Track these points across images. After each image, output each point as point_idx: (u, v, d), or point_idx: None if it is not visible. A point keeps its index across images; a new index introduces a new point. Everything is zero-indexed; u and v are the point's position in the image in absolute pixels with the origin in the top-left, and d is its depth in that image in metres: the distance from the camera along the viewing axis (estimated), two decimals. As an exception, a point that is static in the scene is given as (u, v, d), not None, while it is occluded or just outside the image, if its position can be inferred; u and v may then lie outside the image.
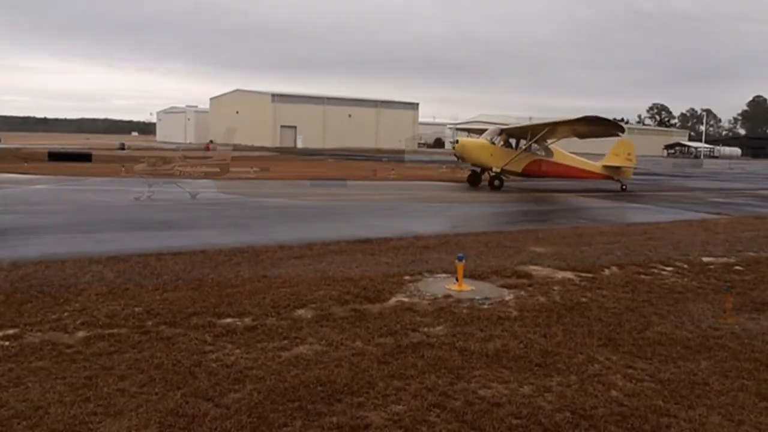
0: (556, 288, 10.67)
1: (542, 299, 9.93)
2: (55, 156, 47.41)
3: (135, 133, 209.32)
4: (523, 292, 10.29)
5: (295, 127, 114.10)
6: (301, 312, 8.78)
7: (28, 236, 14.47)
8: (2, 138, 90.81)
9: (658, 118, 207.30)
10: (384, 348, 7.46)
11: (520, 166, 32.52)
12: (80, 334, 7.65)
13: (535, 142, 32.27)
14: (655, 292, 10.66)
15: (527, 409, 5.96)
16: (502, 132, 33.08)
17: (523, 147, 32.02)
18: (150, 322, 8.12)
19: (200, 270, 11.08)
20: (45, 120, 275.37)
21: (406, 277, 11.00)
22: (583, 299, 9.99)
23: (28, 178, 31.19)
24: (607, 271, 12.12)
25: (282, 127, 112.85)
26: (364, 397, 6.13)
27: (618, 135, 33.13)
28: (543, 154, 33.12)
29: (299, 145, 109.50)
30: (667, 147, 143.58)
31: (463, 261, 10.39)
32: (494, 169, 31.88)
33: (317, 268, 11.54)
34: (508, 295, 10.08)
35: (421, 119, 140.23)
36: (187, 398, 5.93)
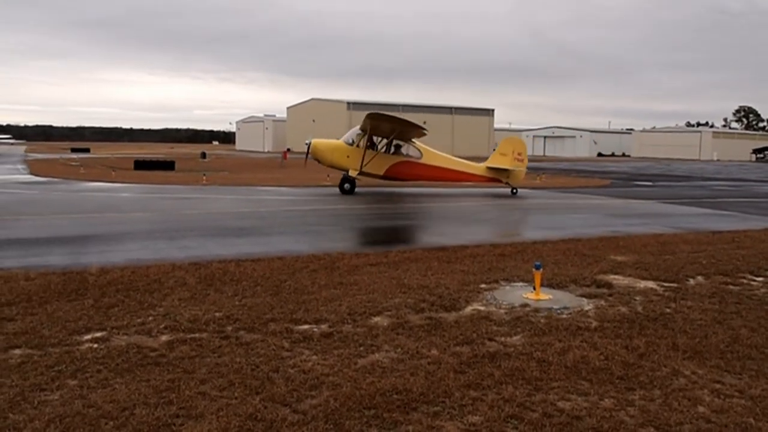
0: (638, 298, 10.35)
1: (623, 309, 9.64)
2: (141, 165, 49.22)
3: (216, 143, 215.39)
4: (603, 302, 10.03)
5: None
6: (377, 319, 8.80)
7: (115, 242, 15.05)
8: (91, 148, 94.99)
9: (745, 121, 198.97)
10: (460, 357, 7.39)
11: (382, 168, 29.93)
12: (164, 338, 7.89)
13: (402, 141, 29.89)
14: (744, 303, 10.21)
15: (608, 423, 5.78)
16: (362, 132, 29.79)
17: (365, 145, 29.16)
18: (230, 328, 8.30)
19: (278, 276, 11.26)
20: (131, 130, 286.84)
21: (482, 286, 10.89)
22: (667, 310, 9.64)
23: (115, 186, 32.50)
24: (692, 281, 11.68)
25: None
26: (440, 406, 6.08)
27: (423, 134, 29.25)
28: (410, 154, 30.48)
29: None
30: (756, 151, 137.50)
31: (541, 269, 10.21)
32: (351, 172, 29.43)
33: (393, 275, 11.55)
34: (588, 305, 9.84)
35: (496, 125, 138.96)
36: (266, 403, 6.02)
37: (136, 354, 7.29)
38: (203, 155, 74.31)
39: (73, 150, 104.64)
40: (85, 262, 12.22)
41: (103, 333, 8.02)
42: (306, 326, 8.43)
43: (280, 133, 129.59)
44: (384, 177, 30.41)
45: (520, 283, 11.11)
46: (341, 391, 6.31)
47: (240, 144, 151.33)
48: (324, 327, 8.41)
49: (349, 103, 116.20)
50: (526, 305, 9.69)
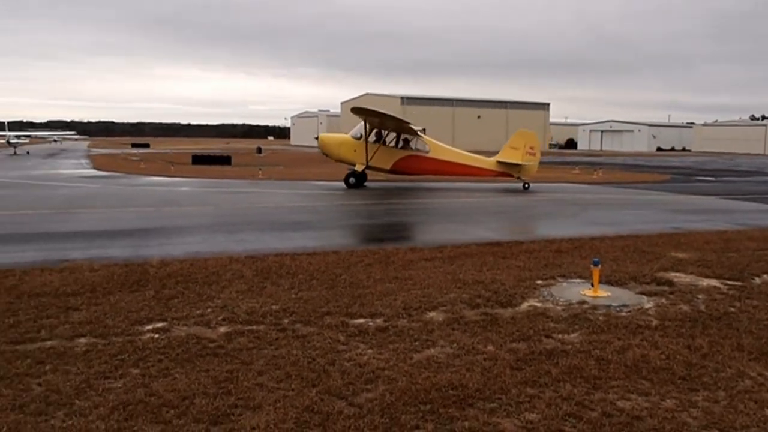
0: (700, 296, 10.06)
1: (685, 308, 9.39)
2: (199, 159, 50.16)
3: (271, 138, 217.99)
4: (663, 300, 9.79)
5: (424, 129, 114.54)
6: (432, 314, 8.78)
7: (174, 235, 15.38)
8: (151, 143, 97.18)
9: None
10: (517, 354, 7.31)
11: (389, 163, 29.99)
12: (222, 329, 8.02)
13: (409, 135, 29.96)
14: (813, 303, 9.82)
15: (670, 425, 5.63)
16: (368, 127, 29.80)
17: (367, 139, 29.31)
18: (286, 320, 8.38)
19: (333, 270, 11.33)
20: (188, 126, 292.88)
21: (539, 282, 10.76)
22: (731, 309, 9.35)
23: (174, 180, 33.20)
24: (758, 280, 11.31)
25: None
26: (497, 403, 6.02)
27: (411, 129, 29.49)
28: (418, 148, 30.38)
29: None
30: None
31: (599, 266, 10.02)
32: (357, 167, 29.65)
33: (448, 270, 11.50)
34: (648, 303, 9.62)
35: (552, 119, 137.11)
36: (322, 396, 6.06)
37: (195, 344, 7.43)
38: (259, 150, 75.27)
39: (134, 145, 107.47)
40: (146, 255, 12.53)
41: (164, 323, 8.21)
42: (361, 320, 8.47)
43: (334, 128, 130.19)
44: (391, 171, 30.50)
45: (578, 280, 10.93)
46: (397, 386, 6.31)
47: (295, 139, 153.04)
48: (379, 321, 8.42)
49: (402, 98, 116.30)
50: (583, 302, 9.53)
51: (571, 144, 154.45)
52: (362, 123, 29.82)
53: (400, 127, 29.84)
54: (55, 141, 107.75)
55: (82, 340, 7.55)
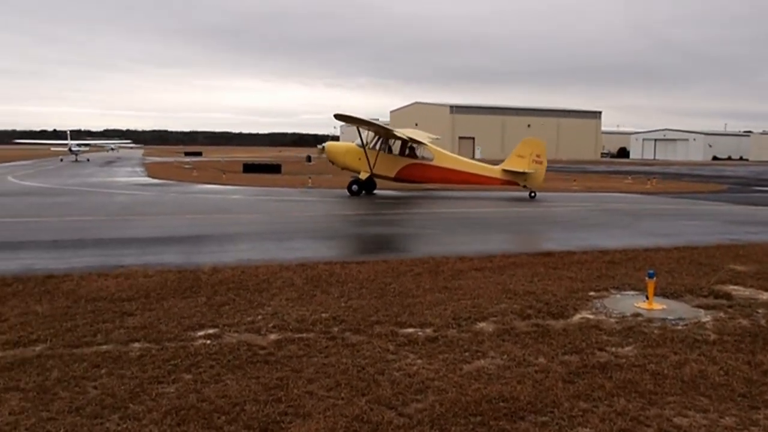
0: (760, 310, 9.74)
1: (744, 322, 9.10)
2: (250, 168, 50.82)
3: (320, 146, 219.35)
4: (722, 314, 9.50)
5: (473, 138, 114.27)
6: (482, 325, 8.69)
7: (226, 243, 15.59)
8: (203, 152, 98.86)
9: None
10: (569, 366, 7.18)
11: (393, 171, 30.15)
12: (272, 336, 8.08)
13: (411, 143, 30.11)
14: None
15: (731, 443, 5.45)
16: (375, 135, 30.36)
17: (369, 146, 29.82)
18: (336, 329, 8.40)
19: (382, 279, 11.33)
20: (240, 134, 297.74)
21: (591, 293, 10.57)
22: (794, 324, 9.02)
23: (226, 188, 33.71)
24: (821, 294, 10.89)
25: (460, 138, 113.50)
26: (549, 416, 5.91)
27: (392, 135, 29.71)
28: (424, 156, 30.34)
29: (477, 156, 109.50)
30: None
31: (654, 278, 9.79)
32: (362, 174, 29.87)
33: (498, 280, 11.39)
34: (705, 317, 9.35)
35: (604, 128, 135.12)
36: (372, 405, 6.04)
37: (246, 351, 7.49)
38: (308, 158, 75.90)
39: (187, 153, 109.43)
40: (198, 261, 12.72)
41: (216, 330, 8.31)
42: (411, 330, 8.43)
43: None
44: (395, 179, 30.72)
45: (632, 292, 10.70)
46: (446, 397, 6.25)
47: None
48: (429, 331, 8.37)
49: (451, 107, 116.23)
50: (638, 315, 9.31)
51: (623, 153, 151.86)
52: (368, 132, 30.49)
53: (387, 133, 30.26)
54: (111, 149, 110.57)
55: (137, 344, 7.70)
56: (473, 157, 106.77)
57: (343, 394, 6.28)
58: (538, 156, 30.24)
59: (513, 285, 10.99)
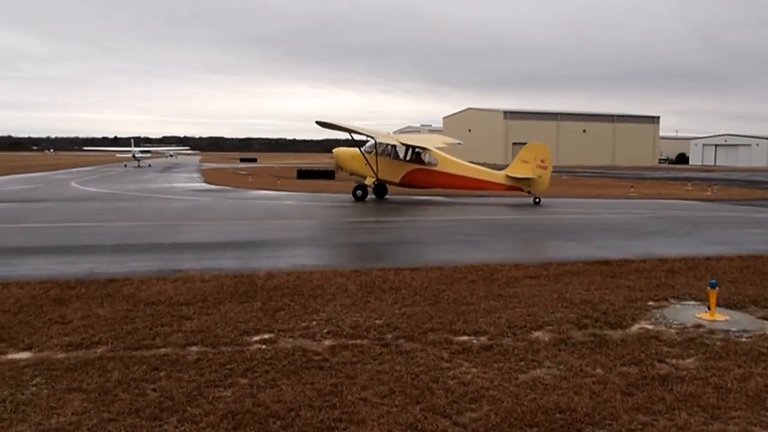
0: (830, 323, 9.36)
1: (813, 335, 8.75)
2: (303, 174, 51.36)
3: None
4: (788, 326, 9.16)
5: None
6: (537, 334, 8.57)
7: (281, 248, 15.76)
8: (258, 158, 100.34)
9: None
10: (627, 378, 7.01)
11: (398, 176, 30.38)
12: (327, 342, 8.12)
13: (417, 149, 30.50)
14: None
15: (800, 461, 5.25)
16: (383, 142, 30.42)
17: (365, 151, 30.03)
18: (390, 335, 8.39)
19: (436, 286, 11.28)
20: (294, 141, 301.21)
21: (650, 303, 10.32)
22: None
23: (280, 194, 34.12)
24: None
25: (514, 144, 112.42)
26: (607, 429, 5.79)
27: (369, 139, 29.88)
28: (429, 162, 30.40)
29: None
30: None
31: (717, 288, 9.51)
32: (368, 180, 30.29)
33: (553, 288, 11.22)
34: (771, 329, 9.03)
35: (662, 133, 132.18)
36: (426, 413, 6.01)
37: (301, 357, 7.55)
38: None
39: (242, 160, 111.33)
40: (253, 267, 12.89)
41: (271, 335, 8.39)
42: (465, 337, 8.37)
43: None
44: (400, 184, 30.94)
45: (692, 302, 10.41)
46: (502, 406, 6.18)
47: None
48: (483, 339, 8.30)
49: (505, 113, 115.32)
50: (699, 326, 9.05)
51: (682, 159, 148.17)
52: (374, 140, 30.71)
53: (377, 137, 30.37)
54: (170, 156, 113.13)
55: (194, 348, 7.83)
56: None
57: (397, 402, 6.26)
58: (542, 161, 29.88)
59: (569, 293, 10.81)
